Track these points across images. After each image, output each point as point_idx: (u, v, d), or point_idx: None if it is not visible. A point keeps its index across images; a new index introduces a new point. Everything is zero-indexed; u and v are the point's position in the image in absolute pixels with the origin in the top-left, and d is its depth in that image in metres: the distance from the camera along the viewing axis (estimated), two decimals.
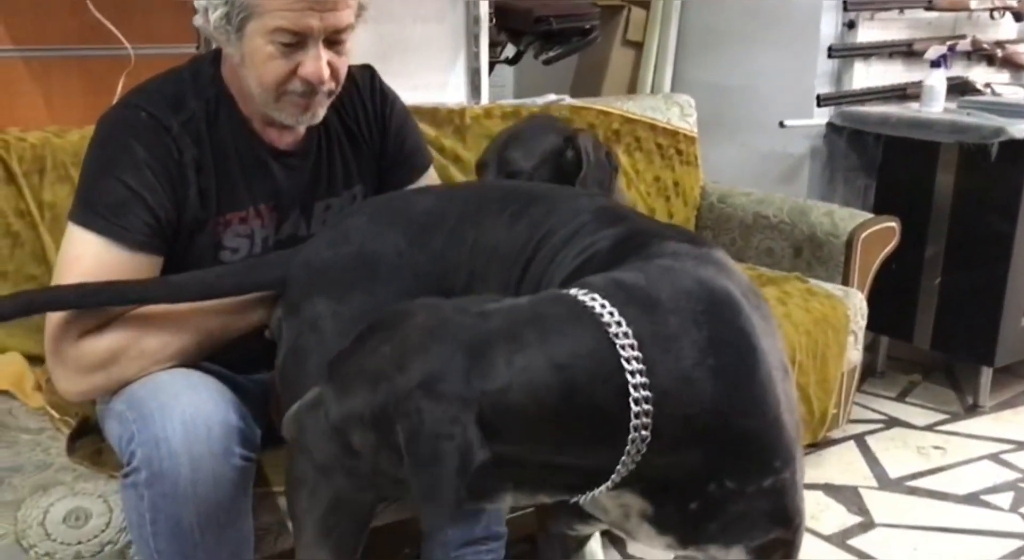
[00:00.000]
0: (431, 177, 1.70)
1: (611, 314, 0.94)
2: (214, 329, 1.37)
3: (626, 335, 0.93)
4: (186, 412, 1.24)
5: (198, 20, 1.41)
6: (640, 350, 0.93)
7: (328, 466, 0.99)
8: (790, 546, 1.12)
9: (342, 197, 1.58)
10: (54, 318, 1.30)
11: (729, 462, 1.00)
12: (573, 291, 0.99)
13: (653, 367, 0.93)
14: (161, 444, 1.22)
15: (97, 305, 1.30)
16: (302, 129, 1.50)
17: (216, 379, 1.35)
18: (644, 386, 0.92)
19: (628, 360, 0.92)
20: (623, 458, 0.93)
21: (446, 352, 0.90)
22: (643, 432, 0.92)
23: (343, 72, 1.44)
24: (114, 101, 1.96)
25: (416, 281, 1.27)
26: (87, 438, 1.48)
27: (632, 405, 0.92)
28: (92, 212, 1.34)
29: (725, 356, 0.97)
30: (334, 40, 1.39)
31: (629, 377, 0.92)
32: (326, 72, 1.38)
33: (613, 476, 0.95)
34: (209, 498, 1.24)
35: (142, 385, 1.31)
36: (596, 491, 0.97)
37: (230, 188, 1.45)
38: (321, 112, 1.45)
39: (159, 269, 1.40)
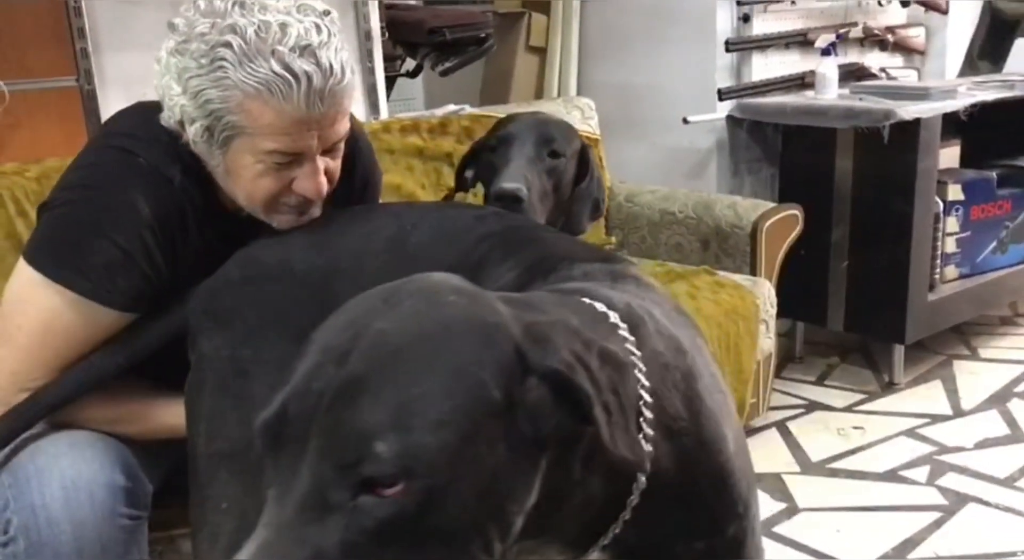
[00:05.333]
0: None
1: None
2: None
3: None
4: (66, 475, 1.18)
5: (164, 118, 1.24)
6: None
7: None
8: None
9: None
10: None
11: (697, 512, 0.90)
12: None
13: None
14: (39, 512, 1.17)
15: (30, 423, 1.23)
16: None
17: (104, 434, 1.28)
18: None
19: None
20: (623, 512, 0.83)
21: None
22: (642, 478, 0.82)
23: (337, 173, 1.31)
24: None
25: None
26: None
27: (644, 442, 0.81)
28: (74, 271, 1.21)
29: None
30: (330, 148, 1.27)
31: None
32: (324, 186, 1.26)
33: (608, 535, 0.84)
34: None
35: (22, 445, 1.24)
36: (588, 555, 0.86)
37: (218, 257, 1.32)
38: (317, 212, 1.32)
39: None
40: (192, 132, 1.21)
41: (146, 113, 1.29)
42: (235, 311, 1.22)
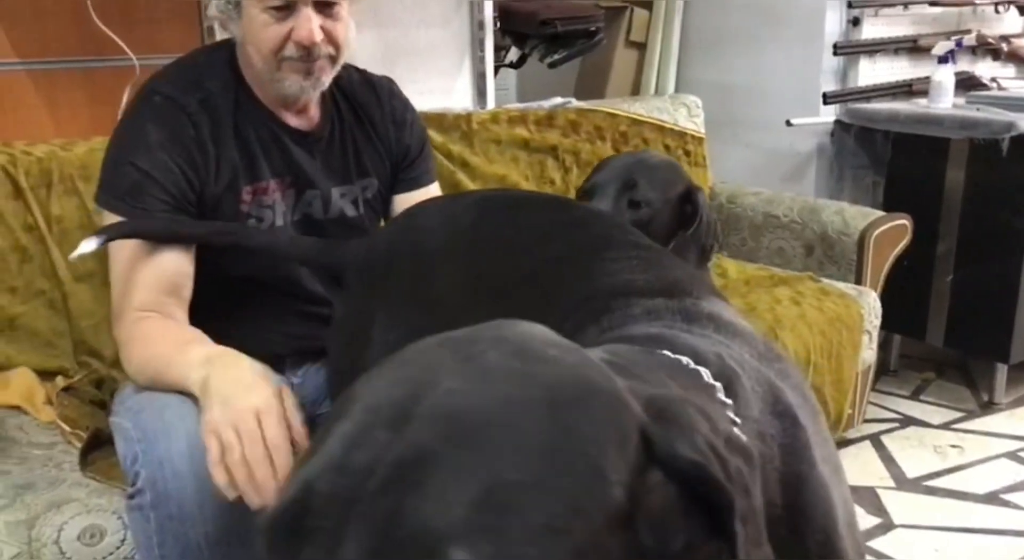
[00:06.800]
0: (434, 193, 1.73)
1: None
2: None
3: None
4: (192, 432, 1.21)
5: (211, 11, 1.48)
6: None
7: None
8: None
9: (355, 186, 1.61)
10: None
11: None
12: None
13: None
14: (165, 465, 1.20)
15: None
16: (315, 114, 1.55)
17: None
18: None
19: None
20: None
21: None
22: None
23: (341, 36, 1.47)
24: (119, 113, 1.97)
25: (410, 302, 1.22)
26: (99, 451, 1.47)
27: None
28: (114, 197, 1.43)
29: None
30: (325, 3, 1.43)
31: None
32: (318, 34, 1.42)
33: None
34: (217, 518, 1.21)
35: (150, 403, 1.29)
36: None
37: (250, 160, 1.50)
38: (326, 79, 1.49)
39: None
40: (216, 5, 1.44)
41: (185, 57, 1.54)
42: (358, 280, 1.32)
